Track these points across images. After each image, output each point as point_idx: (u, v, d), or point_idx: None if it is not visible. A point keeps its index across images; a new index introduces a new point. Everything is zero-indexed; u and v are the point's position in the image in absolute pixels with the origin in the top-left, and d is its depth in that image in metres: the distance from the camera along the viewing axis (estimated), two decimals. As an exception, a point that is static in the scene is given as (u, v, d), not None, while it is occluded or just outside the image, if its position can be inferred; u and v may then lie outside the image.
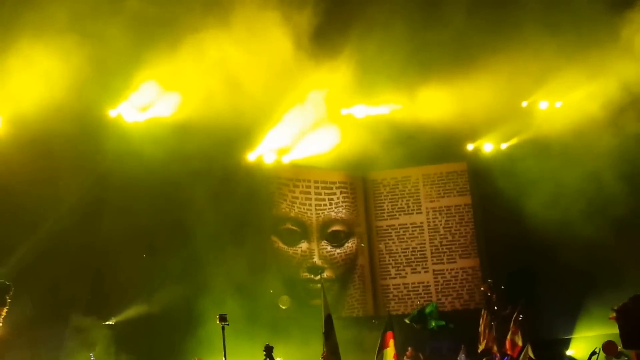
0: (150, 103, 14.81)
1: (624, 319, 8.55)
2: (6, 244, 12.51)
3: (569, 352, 17.67)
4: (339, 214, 19.29)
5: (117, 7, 12.82)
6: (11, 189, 12.84)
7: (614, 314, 8.81)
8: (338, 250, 19.09)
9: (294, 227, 18.35)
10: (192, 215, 14.54)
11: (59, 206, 12.91)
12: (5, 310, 7.67)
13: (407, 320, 15.57)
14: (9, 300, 7.64)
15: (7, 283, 7.75)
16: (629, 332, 8.46)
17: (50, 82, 12.36)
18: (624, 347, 8.90)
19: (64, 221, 12.82)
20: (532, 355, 10.72)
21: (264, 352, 11.44)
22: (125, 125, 14.55)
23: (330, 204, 19.15)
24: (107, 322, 13.39)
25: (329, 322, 10.73)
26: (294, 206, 18.48)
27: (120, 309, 13.77)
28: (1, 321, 7.59)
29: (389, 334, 12.23)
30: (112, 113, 14.50)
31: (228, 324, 10.18)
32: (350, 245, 19.36)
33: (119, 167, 13.77)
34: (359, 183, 19.85)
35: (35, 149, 12.93)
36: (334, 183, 19.33)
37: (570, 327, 17.75)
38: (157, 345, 13.30)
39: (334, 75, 16.17)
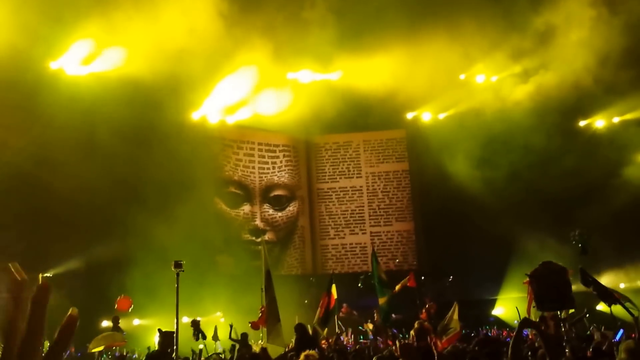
0: (91, 57, 14.00)
1: (536, 283, 8.51)
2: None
3: (494, 312, 17.91)
4: (282, 179, 18.99)
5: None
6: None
7: (527, 279, 8.77)
8: (280, 214, 18.80)
9: (237, 191, 17.95)
10: (135, 171, 13.90)
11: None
12: None
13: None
14: None
15: None
16: (541, 295, 8.44)
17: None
18: (538, 309, 8.82)
19: (1, 172, 11.97)
20: (456, 316, 10.57)
21: (192, 327, 11.03)
22: (66, 79, 13.72)
23: (274, 168, 18.77)
24: (45, 274, 12.66)
25: (268, 278, 10.42)
26: (237, 169, 18.06)
27: (59, 261, 13.08)
28: None
29: (324, 295, 12.03)
30: (52, 65, 13.62)
31: (183, 271, 9.92)
32: (292, 208, 19.07)
33: (60, 122, 12.94)
34: (301, 146, 19.57)
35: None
36: (277, 146, 18.97)
37: (496, 289, 17.98)
38: (95, 298, 12.70)
39: (282, 39, 15.65)
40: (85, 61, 14.02)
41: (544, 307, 8.67)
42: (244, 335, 11.25)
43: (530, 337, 9.64)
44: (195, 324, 11.13)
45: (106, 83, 13.58)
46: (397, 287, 12.50)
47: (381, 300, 12.16)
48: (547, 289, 8.42)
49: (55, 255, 13.06)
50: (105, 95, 13.33)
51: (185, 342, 10.88)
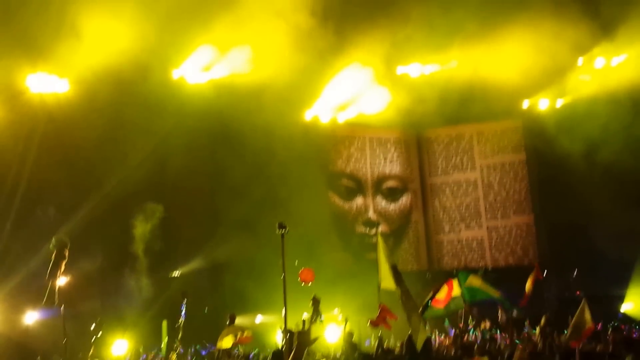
0: (210, 65, 14.60)
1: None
2: (78, 199, 12.63)
3: (623, 308, 16.97)
4: (393, 170, 18.88)
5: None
6: (80, 148, 12.89)
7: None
8: (392, 206, 18.73)
9: (349, 184, 18.08)
10: (252, 171, 14.38)
11: (125, 164, 12.91)
12: (64, 262, 7.65)
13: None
14: (67, 254, 7.61)
15: (64, 239, 7.70)
16: None
17: (115, 45, 12.22)
18: None
19: (130, 178, 12.82)
20: (588, 314, 10.05)
21: (312, 304, 11.08)
22: (188, 86, 14.42)
23: (385, 161, 18.74)
24: (173, 274, 13.42)
25: (396, 272, 10.23)
26: (349, 163, 18.17)
27: (186, 261, 13.79)
28: (61, 273, 7.58)
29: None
30: (175, 74, 14.36)
31: (287, 231, 9.70)
32: (404, 200, 18.97)
33: (182, 127, 13.66)
34: (413, 140, 19.33)
35: (102, 110, 12.91)
36: (388, 140, 18.88)
37: (624, 283, 17.00)
38: (221, 294, 13.30)
39: (390, 34, 15.58)
40: (205, 68, 14.65)
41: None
42: (349, 336, 10.83)
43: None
44: (315, 302, 11.05)
45: (225, 89, 14.15)
46: (529, 286, 12.03)
47: (496, 294, 11.70)
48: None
49: (181, 256, 13.80)
50: (224, 101, 13.89)
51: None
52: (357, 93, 17.21)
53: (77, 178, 12.85)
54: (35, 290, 11.14)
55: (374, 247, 12.18)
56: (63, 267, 7.58)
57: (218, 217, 14.02)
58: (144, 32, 12.38)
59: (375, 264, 11.49)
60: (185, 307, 10.35)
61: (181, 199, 13.52)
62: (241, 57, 14.53)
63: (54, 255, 7.61)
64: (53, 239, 7.66)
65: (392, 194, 18.78)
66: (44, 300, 7.52)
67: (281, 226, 9.60)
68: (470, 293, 11.19)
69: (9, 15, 11.68)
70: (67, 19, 11.90)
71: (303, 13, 13.90)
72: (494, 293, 11.48)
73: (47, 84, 12.67)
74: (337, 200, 17.82)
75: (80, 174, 12.96)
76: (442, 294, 11.23)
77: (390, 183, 18.76)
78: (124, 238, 12.74)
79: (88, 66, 12.40)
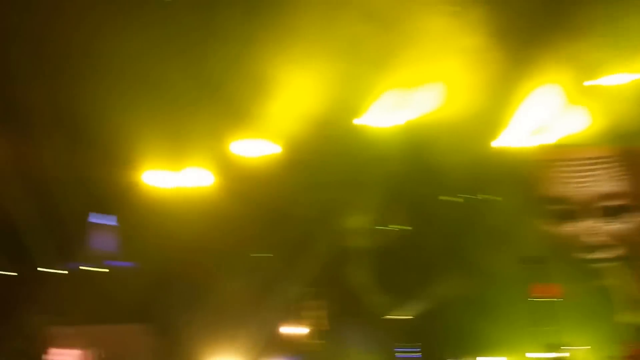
0: (398, 106, 14.79)
1: None
2: (294, 254, 13.25)
3: None
4: (613, 189, 17.49)
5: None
6: (287, 204, 13.57)
7: None
8: (614, 227, 17.31)
9: (560, 207, 17.11)
10: (458, 208, 14.23)
11: (335, 219, 13.43)
12: (309, 312, 7.91)
13: None
14: (309, 305, 7.89)
15: (306, 290, 8.02)
16: None
17: (310, 100, 12.87)
18: None
19: (342, 232, 13.25)
20: None
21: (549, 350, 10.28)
22: (375, 131, 14.73)
23: (597, 180, 17.51)
24: (404, 317, 13.58)
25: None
26: (559, 186, 17.26)
27: (408, 303, 13.87)
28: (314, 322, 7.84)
29: None
30: (362, 121, 14.75)
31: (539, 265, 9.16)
32: (629, 220, 17.43)
33: (382, 172, 13.98)
34: (627, 156, 17.85)
35: (305, 168, 13.60)
36: (599, 157, 17.62)
37: None
38: (453, 333, 13.19)
39: (573, 48, 14.74)
40: (392, 110, 14.87)
41: None
42: None
43: None
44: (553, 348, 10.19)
45: (419, 128, 14.26)
46: None
47: None
48: None
49: (400, 299, 13.88)
50: (419, 140, 14.00)
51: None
52: (554, 113, 16.41)
53: (290, 234, 13.52)
54: (266, 340, 11.76)
55: (600, 274, 11.29)
56: (312, 316, 7.84)
57: (433, 255, 13.98)
58: (336, 86, 12.91)
59: (604, 292, 10.63)
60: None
61: (392, 244, 13.72)
62: (429, 93, 14.58)
63: (295, 305, 7.92)
64: (291, 290, 7.99)
65: (616, 214, 17.35)
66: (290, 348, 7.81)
67: (527, 261, 9.38)
68: None
69: (219, 89, 12.82)
70: (266, 82, 12.76)
71: (479, 37, 13.63)
72: None
73: (256, 147, 13.64)
74: (554, 227, 16.89)
75: (292, 229, 13.61)
76: None
77: (612, 202, 17.37)
78: (342, 286, 13.09)
79: (288, 126, 13.18)
